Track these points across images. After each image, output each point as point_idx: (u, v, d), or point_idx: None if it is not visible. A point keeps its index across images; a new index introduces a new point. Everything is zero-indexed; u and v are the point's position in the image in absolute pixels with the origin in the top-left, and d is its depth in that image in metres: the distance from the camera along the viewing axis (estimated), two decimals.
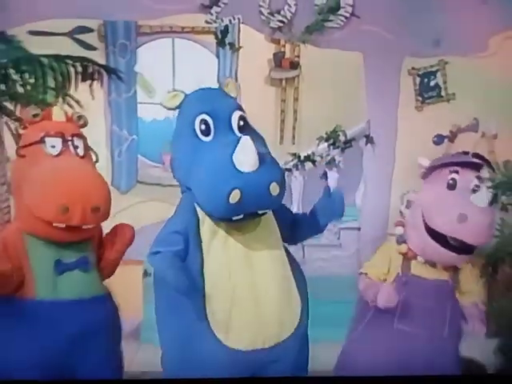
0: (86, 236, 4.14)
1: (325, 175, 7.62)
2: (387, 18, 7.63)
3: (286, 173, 7.01)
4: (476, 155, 7.11)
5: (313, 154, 7.60)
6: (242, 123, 3.95)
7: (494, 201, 6.45)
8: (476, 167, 4.38)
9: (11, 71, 5.45)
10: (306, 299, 4.19)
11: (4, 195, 5.73)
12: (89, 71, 5.62)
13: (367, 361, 4.41)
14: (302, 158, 7.58)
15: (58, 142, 4.11)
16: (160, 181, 8.10)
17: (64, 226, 3.95)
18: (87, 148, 4.31)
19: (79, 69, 5.57)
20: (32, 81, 5.48)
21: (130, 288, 6.86)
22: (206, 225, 4.02)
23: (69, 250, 4.11)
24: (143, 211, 7.90)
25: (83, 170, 4.12)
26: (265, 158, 3.81)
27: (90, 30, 7.67)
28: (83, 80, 5.62)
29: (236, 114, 3.96)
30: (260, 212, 3.91)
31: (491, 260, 5.19)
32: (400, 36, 7.61)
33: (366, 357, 4.43)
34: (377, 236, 7.55)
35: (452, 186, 4.27)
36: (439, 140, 7.20)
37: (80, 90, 5.61)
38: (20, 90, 5.52)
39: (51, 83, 5.54)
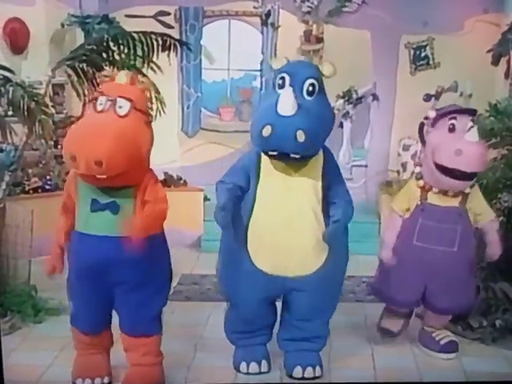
0: (107, 184, 3.58)
1: (341, 125, 7.57)
2: (389, 5, 7.62)
3: None
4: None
5: (332, 108, 7.48)
6: (310, 88, 3.72)
7: None
8: (470, 113, 4.20)
9: (111, 43, 5.36)
10: (338, 252, 3.92)
11: None
12: (167, 44, 5.49)
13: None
14: None
15: (103, 100, 3.62)
16: (217, 128, 8.16)
17: (80, 173, 3.56)
18: (135, 110, 3.67)
19: (160, 42, 5.44)
20: (126, 51, 5.40)
21: (194, 209, 7.00)
22: (263, 164, 3.87)
23: (105, 194, 3.64)
24: (204, 151, 7.93)
25: (106, 126, 3.53)
26: (306, 112, 3.61)
27: (168, 14, 7.70)
28: (163, 50, 5.50)
29: (309, 81, 3.73)
30: (292, 155, 3.63)
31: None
32: (398, 19, 7.62)
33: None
34: (380, 171, 7.68)
35: (452, 130, 4.10)
36: (428, 98, 7.15)
37: (160, 58, 5.54)
38: (117, 57, 5.44)
39: (140, 52, 5.45)
